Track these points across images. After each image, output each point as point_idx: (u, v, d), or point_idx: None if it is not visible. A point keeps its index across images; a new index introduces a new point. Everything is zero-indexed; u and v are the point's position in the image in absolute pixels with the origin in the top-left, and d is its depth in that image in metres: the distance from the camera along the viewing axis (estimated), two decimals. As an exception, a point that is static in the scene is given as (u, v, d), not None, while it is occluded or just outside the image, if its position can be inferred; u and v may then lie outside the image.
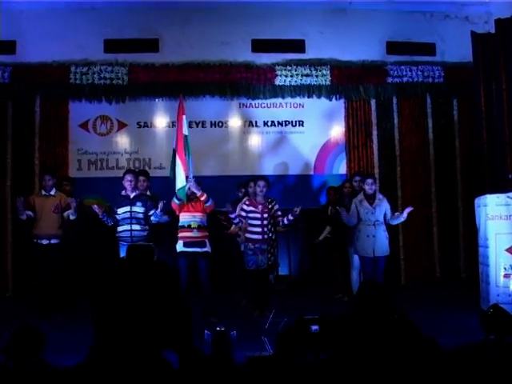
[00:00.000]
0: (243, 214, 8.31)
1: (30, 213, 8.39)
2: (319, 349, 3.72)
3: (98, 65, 11.05)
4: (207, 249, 8.05)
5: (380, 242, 8.34)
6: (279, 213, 8.40)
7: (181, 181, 8.16)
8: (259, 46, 11.42)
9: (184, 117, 8.56)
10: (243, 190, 9.47)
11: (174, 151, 8.52)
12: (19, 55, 10.95)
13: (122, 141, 11.31)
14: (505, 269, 7.78)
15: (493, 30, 10.08)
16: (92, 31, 11.06)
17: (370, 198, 8.46)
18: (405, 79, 11.48)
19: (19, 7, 10.65)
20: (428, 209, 11.51)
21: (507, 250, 7.79)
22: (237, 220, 8.48)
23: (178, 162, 8.27)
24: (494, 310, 4.93)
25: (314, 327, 4.15)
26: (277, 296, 8.73)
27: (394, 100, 11.63)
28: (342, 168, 11.58)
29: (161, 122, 11.32)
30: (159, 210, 8.14)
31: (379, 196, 8.59)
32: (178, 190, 8.16)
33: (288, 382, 3.48)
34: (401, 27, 11.49)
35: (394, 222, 8.69)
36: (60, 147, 11.04)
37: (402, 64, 11.52)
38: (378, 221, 8.36)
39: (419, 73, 11.49)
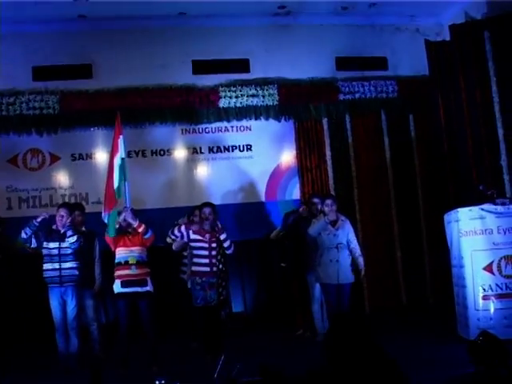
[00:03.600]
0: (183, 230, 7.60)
1: None
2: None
3: (26, 94, 10.16)
4: (148, 288, 7.14)
5: (344, 267, 7.66)
6: (226, 243, 7.66)
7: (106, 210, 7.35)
8: (200, 67, 10.70)
9: (121, 137, 7.66)
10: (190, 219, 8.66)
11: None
12: None
13: (56, 175, 10.40)
14: (484, 289, 7.05)
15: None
16: (19, 58, 10.17)
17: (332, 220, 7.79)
18: (357, 95, 10.83)
19: None
20: (389, 231, 10.82)
21: (485, 269, 7.06)
22: (176, 232, 7.67)
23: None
24: (483, 338, 4.26)
25: None
26: (231, 337, 7.90)
27: (347, 118, 10.96)
28: (295, 193, 10.85)
29: (98, 152, 10.45)
30: None
31: (341, 217, 7.95)
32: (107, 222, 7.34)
33: None
34: (350, 41, 10.94)
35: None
36: (-13, 185, 10.10)
37: (354, 80, 10.90)
38: (341, 243, 7.69)
39: (372, 88, 10.86)
